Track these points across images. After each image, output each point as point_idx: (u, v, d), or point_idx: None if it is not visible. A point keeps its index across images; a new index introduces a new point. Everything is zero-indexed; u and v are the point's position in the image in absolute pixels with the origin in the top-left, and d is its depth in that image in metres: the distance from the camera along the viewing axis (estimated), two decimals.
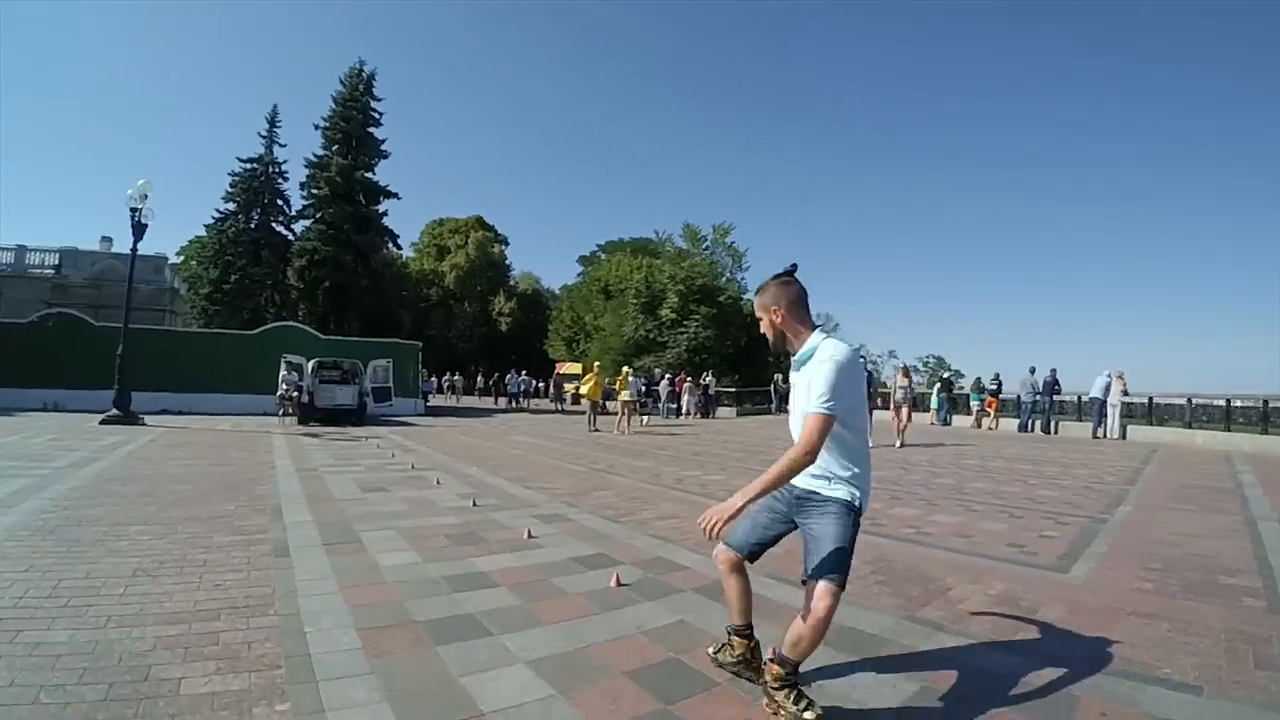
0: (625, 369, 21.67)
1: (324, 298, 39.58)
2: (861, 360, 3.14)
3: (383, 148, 42.73)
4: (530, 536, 6.01)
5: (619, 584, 4.73)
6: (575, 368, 46.65)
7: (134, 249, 18.27)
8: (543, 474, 10.28)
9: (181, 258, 47.85)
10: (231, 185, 39.82)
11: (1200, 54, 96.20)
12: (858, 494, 2.83)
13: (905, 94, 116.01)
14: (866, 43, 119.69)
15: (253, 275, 38.08)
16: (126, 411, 17.35)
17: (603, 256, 67.66)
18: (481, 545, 5.73)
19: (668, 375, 31.03)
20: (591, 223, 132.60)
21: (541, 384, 44.44)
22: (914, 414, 22.63)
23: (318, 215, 40.60)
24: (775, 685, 2.86)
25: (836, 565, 2.69)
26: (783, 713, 2.81)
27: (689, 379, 30.57)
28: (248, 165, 40.36)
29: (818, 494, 2.87)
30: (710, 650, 3.38)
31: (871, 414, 16.00)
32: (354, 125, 41.30)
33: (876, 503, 7.33)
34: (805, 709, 2.77)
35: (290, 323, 29.73)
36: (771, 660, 2.92)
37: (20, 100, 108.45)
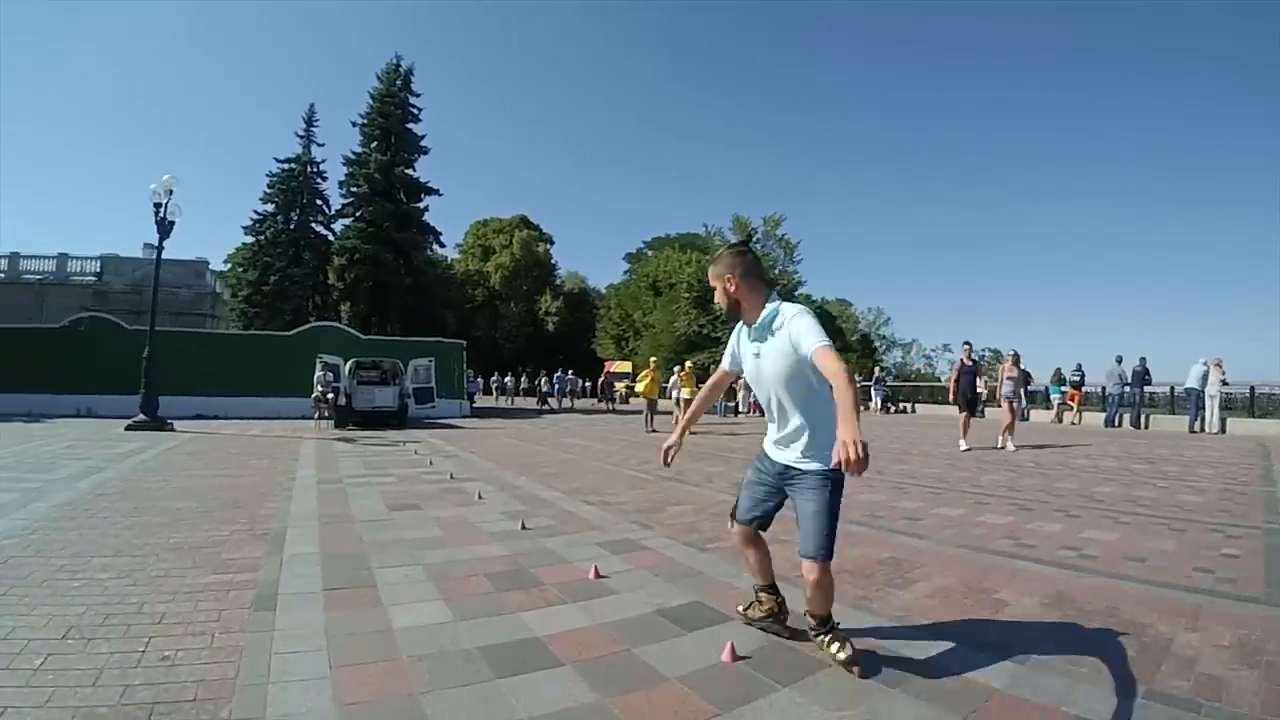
0: (688, 364, 20.21)
1: (365, 297, 38.89)
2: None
3: (422, 144, 42.07)
4: (598, 575, 4.59)
5: (734, 657, 3.25)
6: (625, 366, 45.76)
7: (159, 247, 17.49)
8: (603, 484, 8.86)
9: (229, 265, 47.56)
10: (269, 186, 39.56)
11: None
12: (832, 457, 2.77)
13: (949, 94, 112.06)
14: (905, 43, 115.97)
15: (292, 276, 37.55)
16: (154, 416, 16.50)
17: (649, 253, 67.42)
18: (534, 591, 4.32)
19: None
20: (635, 222, 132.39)
21: (588, 383, 43.47)
22: (988, 410, 21.01)
23: (357, 214, 40.07)
24: (814, 633, 3.24)
25: (817, 542, 2.94)
26: (827, 655, 3.14)
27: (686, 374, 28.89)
28: (285, 165, 40.04)
29: (794, 468, 3.06)
30: (740, 608, 3.70)
31: (980, 409, 14.35)
32: (392, 121, 40.66)
33: (1009, 516, 6.76)
34: (839, 650, 3.09)
35: (328, 322, 28.80)
36: (809, 613, 3.24)
37: (61, 109, 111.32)
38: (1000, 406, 14.09)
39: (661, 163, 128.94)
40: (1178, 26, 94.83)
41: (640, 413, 23.76)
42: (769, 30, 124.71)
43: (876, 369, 36.88)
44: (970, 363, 13.41)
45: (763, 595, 3.53)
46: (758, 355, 3.09)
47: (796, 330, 2.88)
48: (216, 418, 21.25)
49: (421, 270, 41.38)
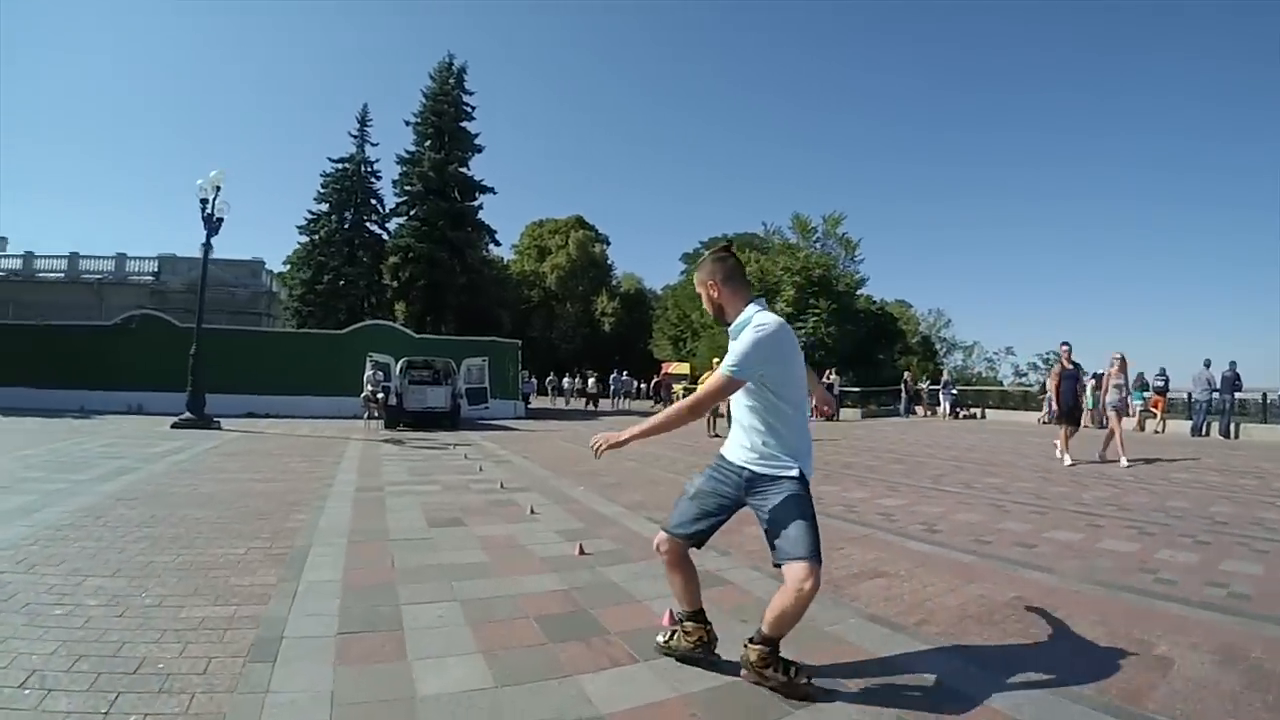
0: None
1: (419, 296, 38.64)
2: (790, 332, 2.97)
3: (476, 142, 41.70)
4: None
5: None
6: (683, 367, 45.04)
7: (206, 243, 17.24)
8: (669, 497, 7.92)
9: (287, 266, 47.95)
10: (323, 186, 39.61)
11: None
12: (799, 464, 2.91)
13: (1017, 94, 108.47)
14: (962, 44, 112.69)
15: (346, 275, 37.53)
16: (200, 415, 16.21)
17: (706, 254, 65.23)
18: (596, 643, 3.48)
19: None
20: (691, 221, 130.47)
21: (643, 384, 42.84)
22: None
23: (411, 212, 39.88)
24: (761, 664, 2.91)
25: (810, 544, 2.77)
26: (771, 684, 2.89)
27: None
28: (339, 165, 40.04)
29: (767, 475, 2.94)
30: (660, 639, 3.34)
31: (1080, 419, 13.03)
32: (445, 119, 40.38)
33: (1133, 543, 5.88)
34: (796, 674, 2.88)
35: (381, 320, 28.49)
36: (752, 642, 2.96)
37: (122, 111, 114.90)
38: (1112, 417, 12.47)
39: (717, 162, 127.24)
40: None
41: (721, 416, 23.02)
42: (823, 31, 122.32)
43: (945, 373, 35.36)
44: (1071, 366, 12.12)
45: (690, 625, 3.22)
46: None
47: (734, 344, 2.87)
48: (268, 416, 21.00)
49: (476, 269, 40.96)
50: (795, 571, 2.74)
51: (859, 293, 42.21)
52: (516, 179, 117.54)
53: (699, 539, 3.13)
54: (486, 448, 13.33)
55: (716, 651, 3.22)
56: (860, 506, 7.56)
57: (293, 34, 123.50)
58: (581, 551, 5.22)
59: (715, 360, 19.49)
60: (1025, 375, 69.17)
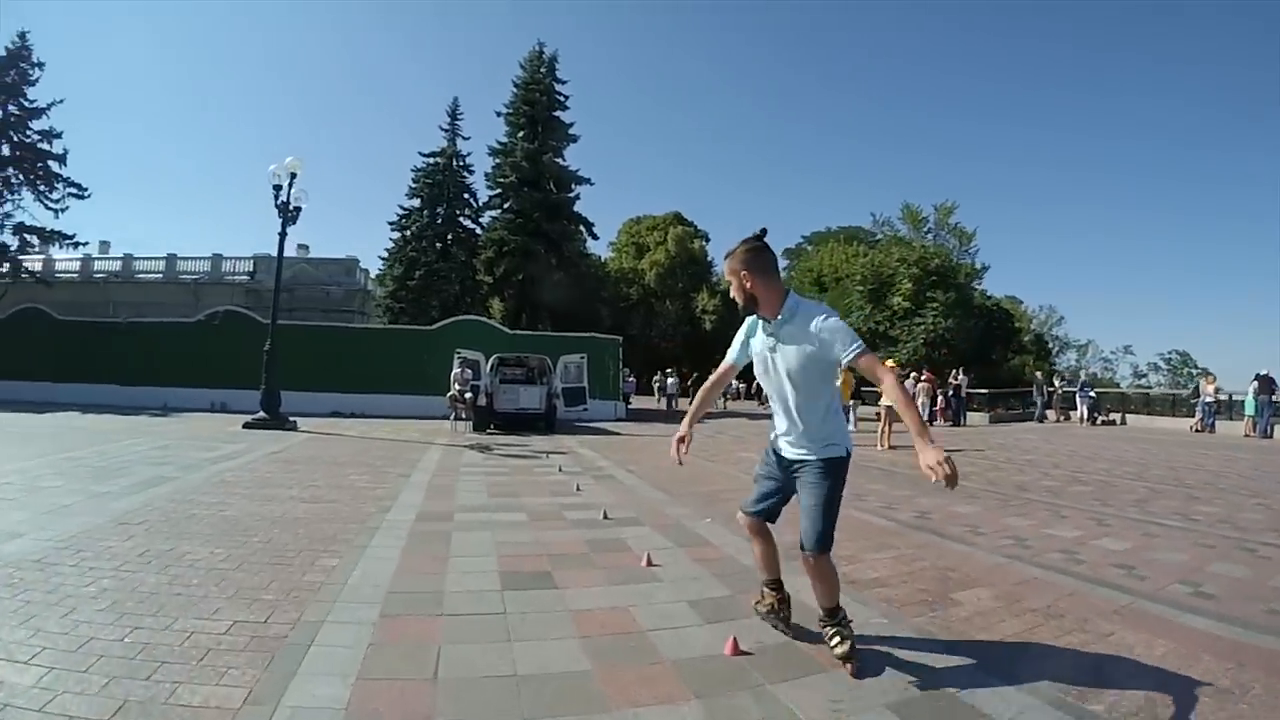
0: (890, 362, 16.93)
1: (515, 291, 37.34)
2: None
3: (570, 132, 40.18)
4: None
5: None
6: None
7: (282, 232, 16.13)
8: (835, 536, 6.00)
9: (383, 264, 47.83)
10: (415, 181, 38.83)
11: None
12: (839, 448, 3.11)
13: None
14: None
15: (439, 271, 36.55)
16: (274, 414, 15.13)
17: (809, 248, 65.96)
18: None
19: (913, 374, 25.70)
20: (789, 216, 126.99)
21: (742, 384, 41.22)
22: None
23: (504, 205, 38.67)
24: (821, 624, 3.32)
25: (814, 535, 3.10)
26: (836, 648, 3.18)
27: (933, 378, 25.27)
28: (430, 160, 39.20)
29: (801, 461, 3.16)
30: (753, 603, 3.76)
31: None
32: (538, 109, 39.03)
33: None
34: (838, 644, 3.17)
35: (472, 316, 27.22)
36: (821, 611, 3.31)
37: (219, 113, 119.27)
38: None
39: (816, 159, 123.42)
40: None
41: None
42: (922, 33, 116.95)
43: (1083, 373, 32.18)
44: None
45: (767, 591, 3.63)
46: (773, 349, 3.14)
47: (830, 331, 2.94)
48: (353, 415, 20.17)
49: (573, 262, 39.42)
50: (804, 561, 3.21)
51: (976, 285, 39.86)
52: (612, 174, 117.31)
53: (767, 515, 3.45)
54: (585, 457, 11.53)
55: (794, 621, 3.56)
56: (1081, 551, 5.59)
57: (387, 32, 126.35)
58: (736, 649, 3.27)
59: (889, 363, 17.27)
60: (1145, 376, 64.42)
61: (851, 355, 2.87)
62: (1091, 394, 26.76)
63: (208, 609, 3.67)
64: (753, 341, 3.28)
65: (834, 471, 3.08)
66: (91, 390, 21.76)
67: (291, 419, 15.40)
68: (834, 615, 3.23)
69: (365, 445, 12.52)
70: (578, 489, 7.99)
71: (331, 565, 4.57)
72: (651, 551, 4.99)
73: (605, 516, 6.31)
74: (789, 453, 3.21)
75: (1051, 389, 28.77)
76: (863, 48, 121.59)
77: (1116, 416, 26.74)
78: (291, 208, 15.88)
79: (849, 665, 3.08)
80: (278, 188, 15.61)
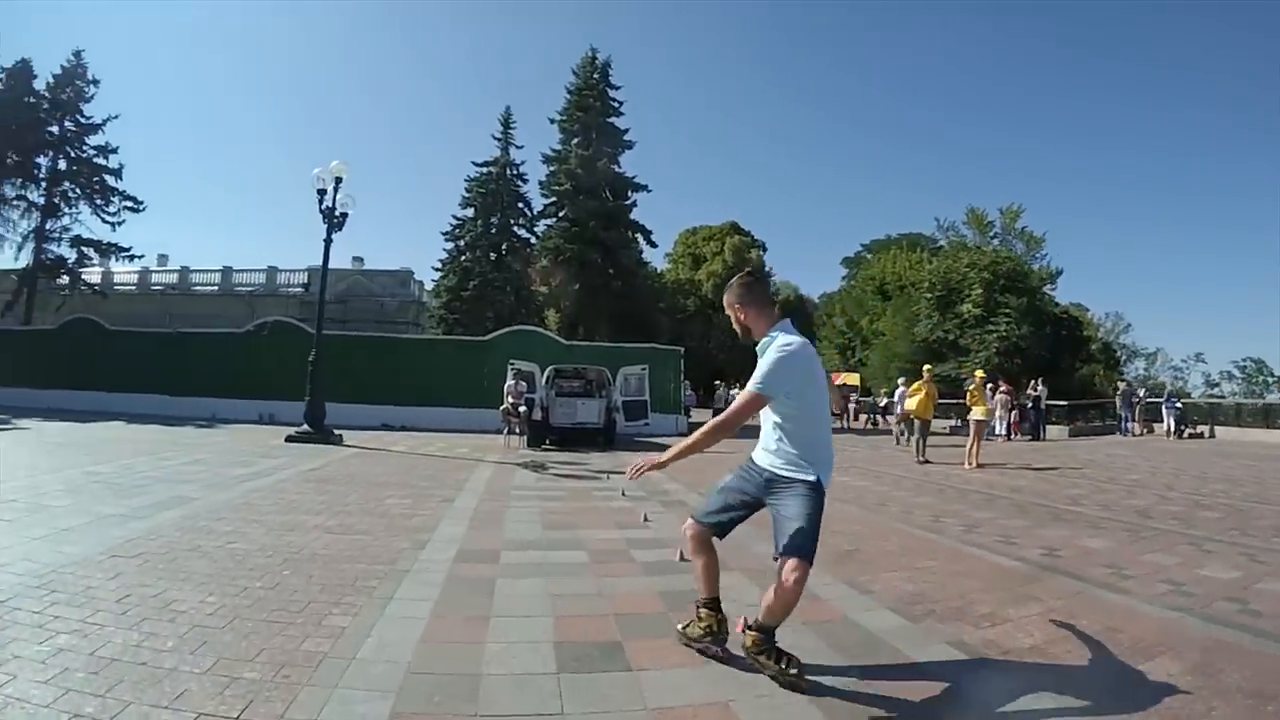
0: (979, 373, 15.57)
1: (571, 301, 36.56)
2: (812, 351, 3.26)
3: (626, 138, 39.46)
4: None
5: None
6: (852, 377, 41.72)
7: (327, 239, 15.53)
8: (960, 584, 4.92)
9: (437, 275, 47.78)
10: (468, 190, 38.39)
11: None
12: (817, 473, 3.15)
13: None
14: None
15: (493, 281, 35.92)
16: (319, 428, 14.42)
17: (868, 256, 64.59)
18: None
19: (989, 385, 23.99)
20: (845, 225, 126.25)
21: None
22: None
23: (560, 214, 38.10)
24: (756, 650, 3.19)
25: (805, 543, 3.04)
26: (767, 672, 3.14)
27: (1011, 389, 23.65)
28: (484, 169, 38.78)
29: (784, 476, 3.19)
30: (679, 627, 3.59)
31: None
32: (592, 114, 38.41)
33: None
34: (788, 665, 3.10)
35: (527, 326, 26.40)
36: (749, 628, 3.25)
37: (281, 123, 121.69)
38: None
39: (873, 167, 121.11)
40: None
41: (888, 433, 19.50)
42: (984, 45, 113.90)
43: (1169, 383, 30.22)
44: None
45: (704, 612, 3.47)
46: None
47: (760, 362, 3.15)
48: (404, 428, 19.54)
49: (631, 271, 38.54)
50: (786, 566, 3.03)
51: (1049, 290, 38.45)
52: (666, 185, 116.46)
53: (721, 529, 3.36)
54: (649, 478, 10.36)
55: (727, 647, 3.39)
56: (1254, 600, 4.54)
57: (439, 44, 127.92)
58: None
59: (926, 368, 16.01)
60: (1218, 385, 61.26)
61: (748, 386, 3.15)
62: (1178, 405, 24.90)
63: (170, 691, 2.75)
64: None
65: (817, 492, 3.14)
66: (141, 400, 21.54)
67: (337, 432, 14.72)
68: (772, 637, 3.20)
69: (411, 463, 11.69)
70: (645, 519, 6.95)
71: (342, 626, 3.60)
72: (747, 612, 3.92)
73: (682, 558, 5.26)
74: (772, 468, 3.24)
75: (1137, 400, 26.93)
76: (918, 55, 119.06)
77: (1204, 429, 24.88)
78: (338, 214, 15.26)
79: (804, 684, 3.06)
80: (322, 192, 15.00)
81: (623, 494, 8.51)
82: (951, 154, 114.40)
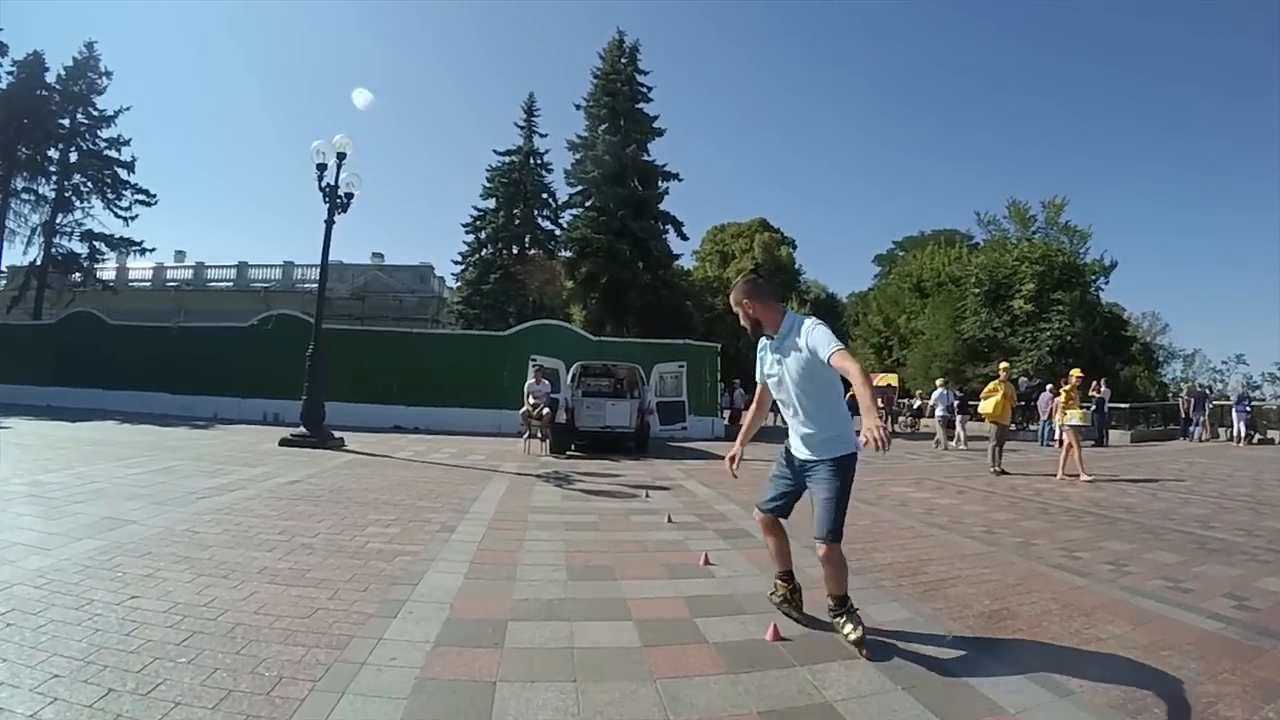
0: (1075, 371, 13.71)
1: (599, 295, 34.83)
2: None
3: (655, 125, 37.72)
4: None
5: None
6: (890, 378, 39.92)
7: (329, 220, 13.88)
8: (1182, 667, 3.28)
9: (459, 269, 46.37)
10: (489, 181, 36.95)
11: None
12: (847, 446, 3.44)
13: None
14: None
15: (516, 274, 34.29)
16: (317, 429, 12.94)
17: (900, 254, 63.34)
18: None
19: (1049, 386, 21.99)
20: (874, 224, 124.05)
21: None
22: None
23: (587, 203, 36.43)
24: (831, 615, 3.60)
25: (827, 525, 3.38)
26: (840, 632, 3.52)
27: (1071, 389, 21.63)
28: (506, 158, 37.31)
29: (810, 460, 3.51)
30: (769, 594, 4.04)
31: None
32: (620, 100, 36.67)
33: None
34: (851, 630, 3.45)
35: (551, 320, 24.73)
36: (828, 599, 3.61)
37: (287, 118, 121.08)
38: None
39: (890, 168, 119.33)
40: None
41: (930, 436, 19.72)
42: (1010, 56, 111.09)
43: (1239, 384, 28.17)
44: None
45: (779, 584, 3.94)
46: (780, 363, 3.54)
47: (815, 339, 3.29)
48: (417, 431, 18.00)
49: (662, 263, 36.69)
50: (817, 547, 3.45)
51: (1103, 285, 36.34)
52: (693, 182, 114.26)
53: (779, 512, 3.75)
54: (696, 495, 8.68)
55: (805, 610, 3.87)
56: None
57: (461, 31, 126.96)
58: None
59: (1004, 367, 14.08)
60: (1259, 388, 58.62)
61: (830, 353, 3.17)
62: (1248, 409, 22.73)
63: None
64: (765, 358, 3.69)
65: (843, 469, 3.42)
66: (141, 398, 20.21)
67: (338, 435, 13.16)
68: (843, 604, 3.54)
69: (415, 473, 10.03)
70: (707, 562, 5.16)
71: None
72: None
73: (779, 636, 3.56)
74: (801, 454, 3.56)
75: (1209, 402, 24.82)
76: (931, 53, 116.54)
77: (1275, 434, 22.79)
78: (341, 193, 13.67)
79: (864, 650, 3.38)
80: (322, 167, 13.38)
81: (669, 520, 6.79)
82: (971, 153, 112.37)
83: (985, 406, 12.86)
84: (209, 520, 5.97)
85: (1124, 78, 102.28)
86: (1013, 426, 18.48)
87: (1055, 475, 11.39)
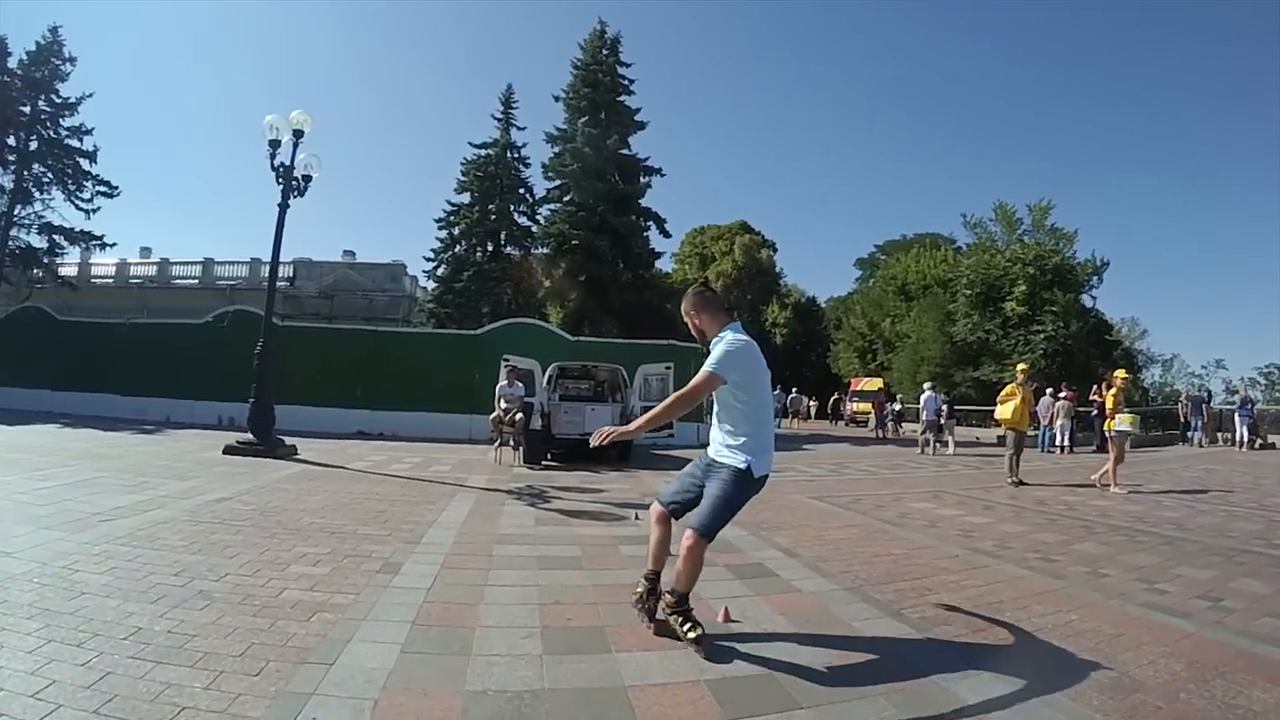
0: (1120, 372, 12.89)
1: (578, 293, 33.59)
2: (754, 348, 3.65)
3: (637, 118, 36.39)
4: None
5: None
6: (876, 383, 39.84)
7: (283, 204, 12.34)
8: None
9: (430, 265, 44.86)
10: (464, 174, 35.37)
11: None
12: (749, 459, 3.49)
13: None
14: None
15: (490, 272, 32.95)
16: (264, 436, 11.69)
17: (883, 257, 62.79)
18: None
19: (1048, 390, 21.34)
20: (854, 229, 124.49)
21: (813, 401, 42.82)
22: None
23: (565, 198, 35.02)
24: (668, 611, 3.63)
25: (705, 518, 3.46)
26: (676, 634, 3.54)
27: (1073, 396, 21.00)
28: (482, 151, 35.82)
29: (716, 461, 3.64)
30: (632, 593, 3.97)
31: None
32: (600, 92, 35.27)
33: None
34: (689, 630, 3.47)
35: (525, 319, 23.45)
36: (666, 591, 3.68)
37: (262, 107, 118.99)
38: None
39: (879, 174, 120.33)
40: None
41: (913, 442, 19.82)
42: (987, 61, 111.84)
43: (1244, 388, 27.86)
44: None
45: (643, 581, 3.90)
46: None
47: (711, 352, 3.59)
48: (381, 436, 16.93)
49: (644, 261, 35.51)
50: (685, 534, 3.51)
51: (1096, 287, 35.27)
52: (673, 184, 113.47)
53: (676, 511, 3.78)
54: (724, 536, 7.62)
55: (657, 616, 3.77)
56: None
57: (433, 17, 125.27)
58: None
59: (1021, 369, 13.06)
60: (1237, 393, 59.10)
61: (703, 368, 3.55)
62: (1250, 413, 22.14)
63: None
64: None
65: (739, 479, 3.49)
66: (91, 400, 18.96)
67: (290, 443, 11.93)
68: (683, 602, 3.59)
69: (367, 488, 8.80)
70: (728, 618, 3.98)
71: None
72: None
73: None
74: (710, 451, 3.73)
75: (1209, 407, 24.32)
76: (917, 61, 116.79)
77: (1277, 438, 22.45)
78: (299, 174, 12.41)
79: (702, 648, 3.39)
80: (275, 144, 12.03)
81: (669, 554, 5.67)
82: (952, 158, 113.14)
83: (1002, 412, 11.91)
84: (98, 554, 4.77)
85: (1104, 84, 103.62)
86: (1032, 431, 17.82)
87: (1110, 486, 10.72)
